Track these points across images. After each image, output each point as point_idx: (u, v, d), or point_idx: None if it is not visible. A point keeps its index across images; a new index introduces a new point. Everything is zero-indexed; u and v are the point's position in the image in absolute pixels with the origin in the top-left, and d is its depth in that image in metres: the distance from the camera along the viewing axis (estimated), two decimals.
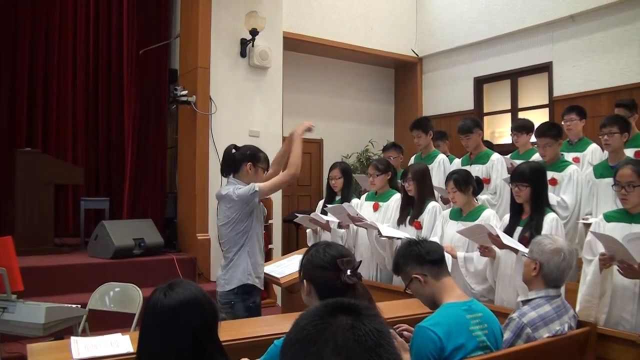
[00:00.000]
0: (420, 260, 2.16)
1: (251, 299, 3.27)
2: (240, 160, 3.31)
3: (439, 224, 3.88)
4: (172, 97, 6.00)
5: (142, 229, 5.65)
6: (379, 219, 4.26)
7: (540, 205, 3.25)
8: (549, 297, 2.44)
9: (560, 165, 4.21)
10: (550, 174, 4.11)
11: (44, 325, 3.20)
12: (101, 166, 6.56)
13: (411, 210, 4.08)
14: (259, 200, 3.26)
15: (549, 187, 4.03)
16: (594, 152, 4.56)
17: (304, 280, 1.87)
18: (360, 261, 1.89)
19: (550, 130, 4.19)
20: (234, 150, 3.35)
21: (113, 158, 6.61)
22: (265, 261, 5.17)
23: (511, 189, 3.36)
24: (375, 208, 4.39)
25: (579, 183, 4.07)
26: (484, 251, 3.31)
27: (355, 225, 4.18)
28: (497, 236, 3.11)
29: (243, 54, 6.26)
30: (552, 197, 3.90)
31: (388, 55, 8.46)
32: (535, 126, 4.96)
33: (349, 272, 1.80)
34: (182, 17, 6.47)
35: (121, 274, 4.76)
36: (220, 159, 3.39)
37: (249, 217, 3.25)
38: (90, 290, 3.83)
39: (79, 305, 3.53)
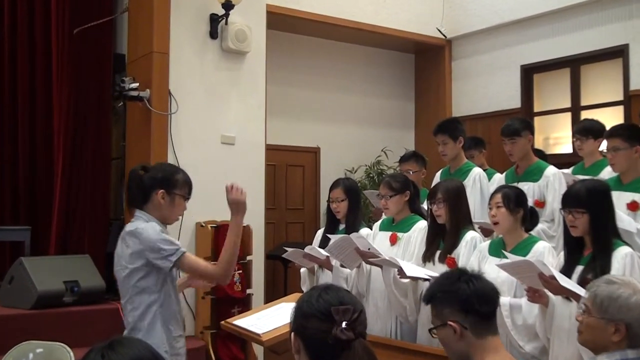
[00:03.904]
0: (467, 307, 2.16)
1: None
2: (149, 186, 3.24)
3: (474, 261, 3.85)
4: (117, 91, 5.99)
5: (76, 269, 5.60)
6: (398, 255, 4.23)
7: (604, 236, 3.24)
8: None
9: None
10: (629, 196, 4.08)
11: None
12: (20, 185, 6.51)
13: (442, 242, 4.06)
14: (173, 269, 3.15)
15: (629, 213, 4.01)
16: None
17: (292, 334, 1.91)
18: (361, 311, 1.89)
19: (624, 130, 4.15)
20: (142, 172, 3.29)
21: (37, 174, 6.57)
22: (243, 311, 5.18)
23: (563, 217, 3.35)
24: (393, 240, 4.37)
25: None
26: (533, 296, 3.29)
27: (368, 262, 4.15)
28: (552, 277, 3.09)
29: (214, 34, 6.28)
30: (631, 224, 3.88)
31: (406, 36, 8.48)
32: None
33: (344, 324, 1.81)
34: None
35: (46, 330, 4.70)
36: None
37: (160, 271, 3.17)
38: (2, 352, 3.77)
39: None
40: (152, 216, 3.22)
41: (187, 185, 3.33)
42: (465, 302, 2.15)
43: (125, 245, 3.19)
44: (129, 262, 3.16)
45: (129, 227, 3.21)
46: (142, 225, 3.16)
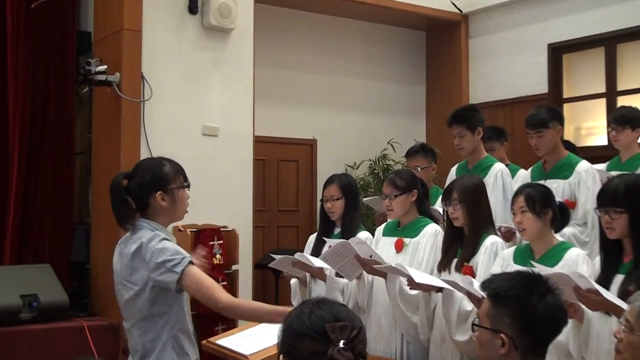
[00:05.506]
0: (530, 329, 2.18)
1: None
2: (143, 194, 3.23)
3: (497, 270, 3.82)
4: (82, 75, 5.99)
5: (34, 280, 5.60)
6: (405, 263, 4.21)
7: None
8: None
9: None
10: None
11: None
12: None
13: (459, 249, 4.05)
14: (176, 287, 3.06)
15: None
16: None
17: (280, 356, 1.91)
18: (360, 327, 1.90)
19: None
20: (126, 182, 3.24)
21: None
22: (228, 329, 5.17)
23: (599, 217, 3.34)
24: (399, 247, 4.36)
25: None
26: (567, 311, 3.27)
27: (370, 272, 4.14)
28: (591, 290, 3.07)
29: (193, 9, 6.27)
30: None
31: (416, 10, 8.48)
32: None
33: (341, 343, 1.81)
34: None
35: (1, 350, 4.75)
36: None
37: (168, 289, 3.13)
38: None
39: None
40: (156, 223, 3.22)
41: (180, 173, 3.32)
42: (531, 324, 2.19)
43: (131, 261, 3.15)
44: (135, 283, 3.14)
45: (134, 242, 3.15)
46: (148, 237, 3.12)
